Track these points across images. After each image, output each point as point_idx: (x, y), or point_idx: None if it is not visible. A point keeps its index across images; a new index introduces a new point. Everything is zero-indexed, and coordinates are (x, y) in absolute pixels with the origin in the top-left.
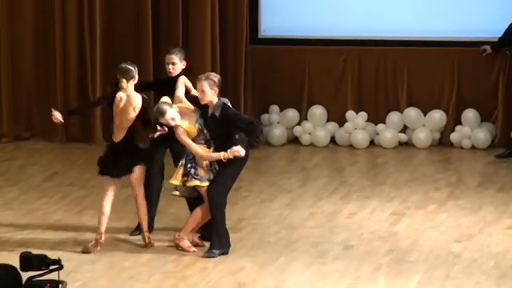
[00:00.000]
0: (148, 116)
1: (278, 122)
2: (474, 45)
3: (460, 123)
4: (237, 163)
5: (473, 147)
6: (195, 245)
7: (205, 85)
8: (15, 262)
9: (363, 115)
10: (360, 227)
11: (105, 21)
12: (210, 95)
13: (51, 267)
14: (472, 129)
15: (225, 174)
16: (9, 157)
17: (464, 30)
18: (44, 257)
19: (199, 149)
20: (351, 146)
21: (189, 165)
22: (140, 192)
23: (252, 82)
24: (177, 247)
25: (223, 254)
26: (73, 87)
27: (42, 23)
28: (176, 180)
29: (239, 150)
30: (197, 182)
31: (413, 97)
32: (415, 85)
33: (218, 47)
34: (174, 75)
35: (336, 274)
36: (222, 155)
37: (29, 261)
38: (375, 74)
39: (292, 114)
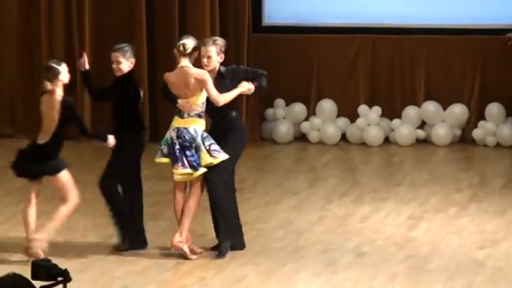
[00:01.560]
0: (74, 121)
1: (284, 117)
2: (498, 33)
3: (484, 119)
4: (236, 141)
5: (497, 144)
6: (192, 251)
7: (213, 50)
8: None
9: (377, 110)
10: (374, 232)
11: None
12: (217, 61)
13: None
14: (497, 125)
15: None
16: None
17: (487, 17)
18: (52, 267)
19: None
20: (364, 143)
21: (207, 143)
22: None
23: None
24: (177, 250)
25: (236, 249)
26: None
27: (28, 16)
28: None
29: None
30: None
31: (432, 90)
32: (434, 77)
33: (218, 35)
34: (119, 74)
35: (347, 284)
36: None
37: (36, 269)
38: (389, 64)
39: (299, 108)
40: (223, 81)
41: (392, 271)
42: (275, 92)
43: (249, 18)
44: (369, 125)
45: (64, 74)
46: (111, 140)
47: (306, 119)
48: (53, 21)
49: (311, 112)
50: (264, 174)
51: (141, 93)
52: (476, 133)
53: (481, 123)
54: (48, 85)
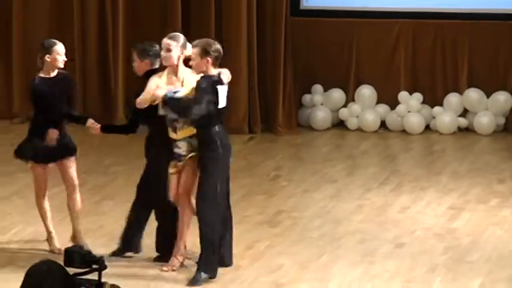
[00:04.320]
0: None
1: (322, 103)
2: None
3: None
4: (214, 160)
5: None
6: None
7: (195, 52)
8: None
9: (418, 97)
10: (414, 222)
11: None
12: (200, 65)
13: (93, 266)
14: None
15: (208, 179)
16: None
17: None
18: (87, 253)
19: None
20: (404, 131)
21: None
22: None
23: (292, 59)
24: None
25: (210, 278)
26: (92, 62)
27: (59, 4)
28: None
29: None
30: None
31: (474, 77)
32: (477, 63)
33: (255, 19)
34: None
35: (385, 275)
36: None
37: (70, 256)
38: (431, 50)
39: (337, 95)
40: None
41: (432, 262)
42: (313, 78)
43: (287, 1)
44: (409, 112)
45: None
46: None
47: (345, 106)
48: (86, 14)
49: (350, 98)
50: (301, 161)
51: None
52: None
53: None
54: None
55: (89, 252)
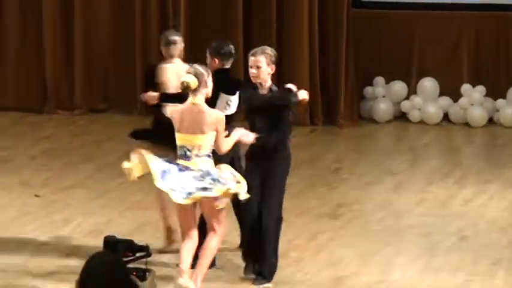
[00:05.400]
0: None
1: (384, 95)
2: None
3: None
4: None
5: None
6: None
7: (262, 60)
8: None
9: (481, 89)
10: (477, 215)
11: None
12: (267, 73)
13: (138, 255)
14: None
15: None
16: (84, 131)
17: None
18: (131, 242)
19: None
20: (467, 123)
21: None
22: None
23: (354, 51)
24: None
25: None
26: (154, 54)
27: None
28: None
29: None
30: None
31: None
32: None
33: (316, 11)
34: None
35: (448, 268)
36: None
37: (113, 246)
38: (494, 42)
39: (399, 87)
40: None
41: (495, 256)
42: (374, 70)
43: None
44: (472, 104)
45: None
46: None
47: (407, 98)
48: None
49: (412, 90)
50: (363, 154)
51: None
52: None
53: None
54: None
55: (132, 241)
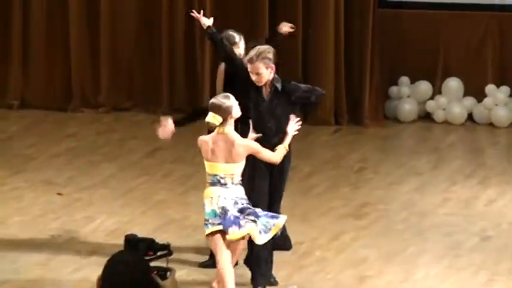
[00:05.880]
0: None
1: (408, 95)
2: None
3: None
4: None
5: None
6: None
7: (261, 67)
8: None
9: (505, 90)
10: (500, 215)
11: None
12: (268, 74)
13: (159, 253)
14: None
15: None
16: (108, 129)
17: None
18: (152, 241)
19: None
20: (491, 124)
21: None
22: None
23: (380, 51)
24: None
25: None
26: (180, 51)
27: None
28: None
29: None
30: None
31: None
32: None
33: (342, 10)
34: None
35: (471, 268)
36: (285, 146)
37: (135, 244)
38: None
39: (424, 87)
40: (278, 99)
41: None
42: (400, 70)
43: None
44: (496, 105)
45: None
46: None
47: (431, 98)
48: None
49: (436, 90)
50: (387, 153)
51: None
52: None
53: None
54: None
55: (153, 240)
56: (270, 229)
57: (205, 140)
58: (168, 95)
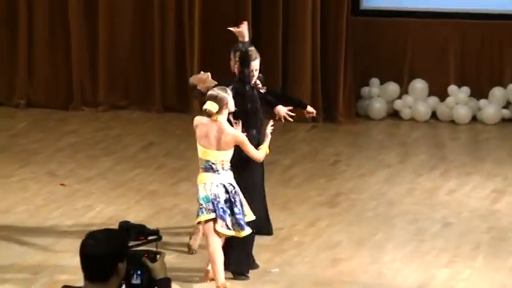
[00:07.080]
0: None
1: (378, 95)
2: None
3: None
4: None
5: None
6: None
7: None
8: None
9: (466, 90)
10: (460, 204)
11: None
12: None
13: (149, 238)
14: None
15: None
16: (106, 126)
17: None
18: (143, 227)
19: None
20: (452, 121)
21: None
22: None
23: (353, 55)
24: None
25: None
26: (170, 55)
27: None
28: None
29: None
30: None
31: None
32: None
33: (319, 18)
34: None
35: (434, 251)
36: (265, 147)
37: (127, 230)
38: (479, 47)
39: (393, 87)
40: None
41: (476, 241)
42: (371, 72)
43: (348, 2)
44: (457, 104)
45: None
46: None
47: (399, 97)
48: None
49: (404, 91)
50: (359, 148)
51: None
52: None
53: None
54: None
55: (144, 226)
56: (230, 230)
57: (202, 121)
58: (160, 95)
